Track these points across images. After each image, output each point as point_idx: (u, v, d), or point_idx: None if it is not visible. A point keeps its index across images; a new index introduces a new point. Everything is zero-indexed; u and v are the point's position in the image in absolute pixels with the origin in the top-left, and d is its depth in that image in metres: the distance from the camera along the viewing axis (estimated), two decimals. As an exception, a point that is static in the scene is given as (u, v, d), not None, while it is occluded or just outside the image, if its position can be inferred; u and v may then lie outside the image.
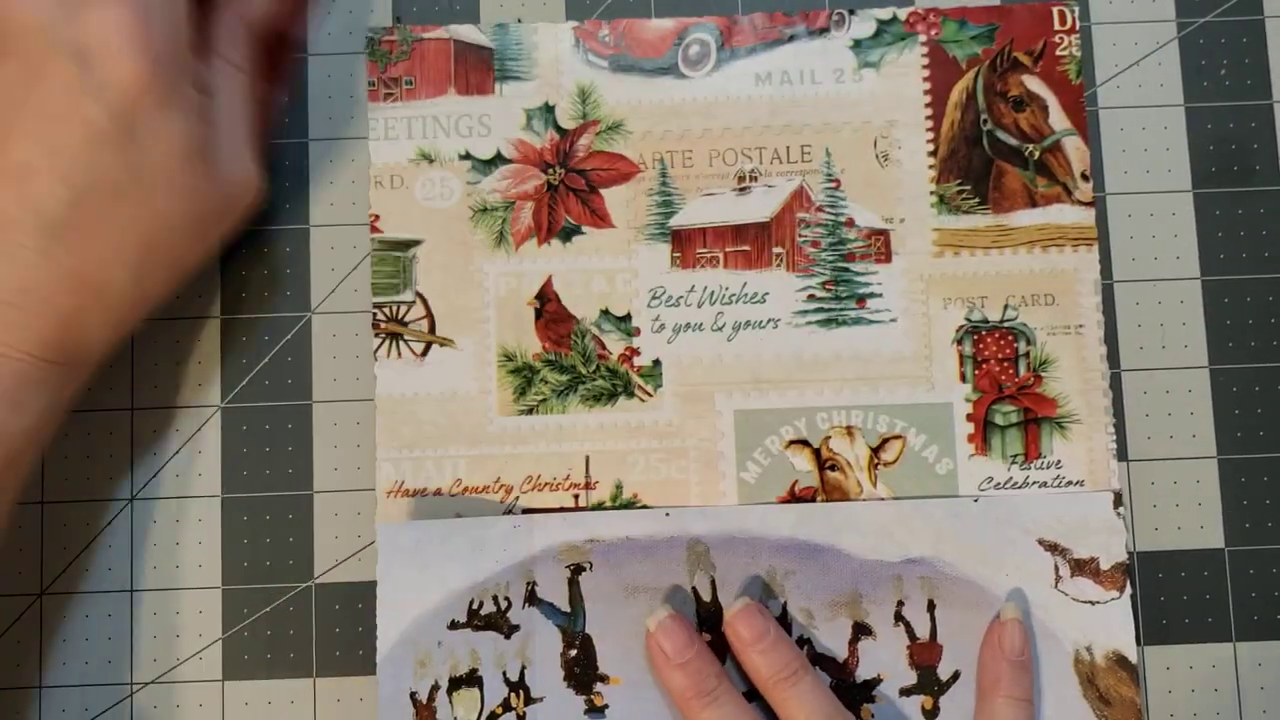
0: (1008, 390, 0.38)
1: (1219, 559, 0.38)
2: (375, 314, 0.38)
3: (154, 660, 0.38)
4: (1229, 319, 0.39)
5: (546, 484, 0.38)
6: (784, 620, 0.37)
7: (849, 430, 0.38)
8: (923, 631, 0.37)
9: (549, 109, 0.39)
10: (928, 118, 0.39)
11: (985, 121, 0.39)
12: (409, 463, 0.38)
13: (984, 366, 0.39)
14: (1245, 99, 0.40)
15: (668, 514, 0.37)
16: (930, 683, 0.37)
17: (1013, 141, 0.39)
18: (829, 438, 0.38)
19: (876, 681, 0.37)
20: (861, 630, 0.37)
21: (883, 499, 0.38)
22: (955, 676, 0.37)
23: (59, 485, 0.39)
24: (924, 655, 0.37)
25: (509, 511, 0.38)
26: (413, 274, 0.39)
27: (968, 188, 0.39)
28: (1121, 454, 0.39)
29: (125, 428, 0.39)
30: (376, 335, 0.38)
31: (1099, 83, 0.40)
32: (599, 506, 0.38)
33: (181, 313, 0.40)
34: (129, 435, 0.39)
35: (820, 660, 0.37)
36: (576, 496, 0.38)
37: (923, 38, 0.40)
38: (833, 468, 0.38)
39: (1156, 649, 0.38)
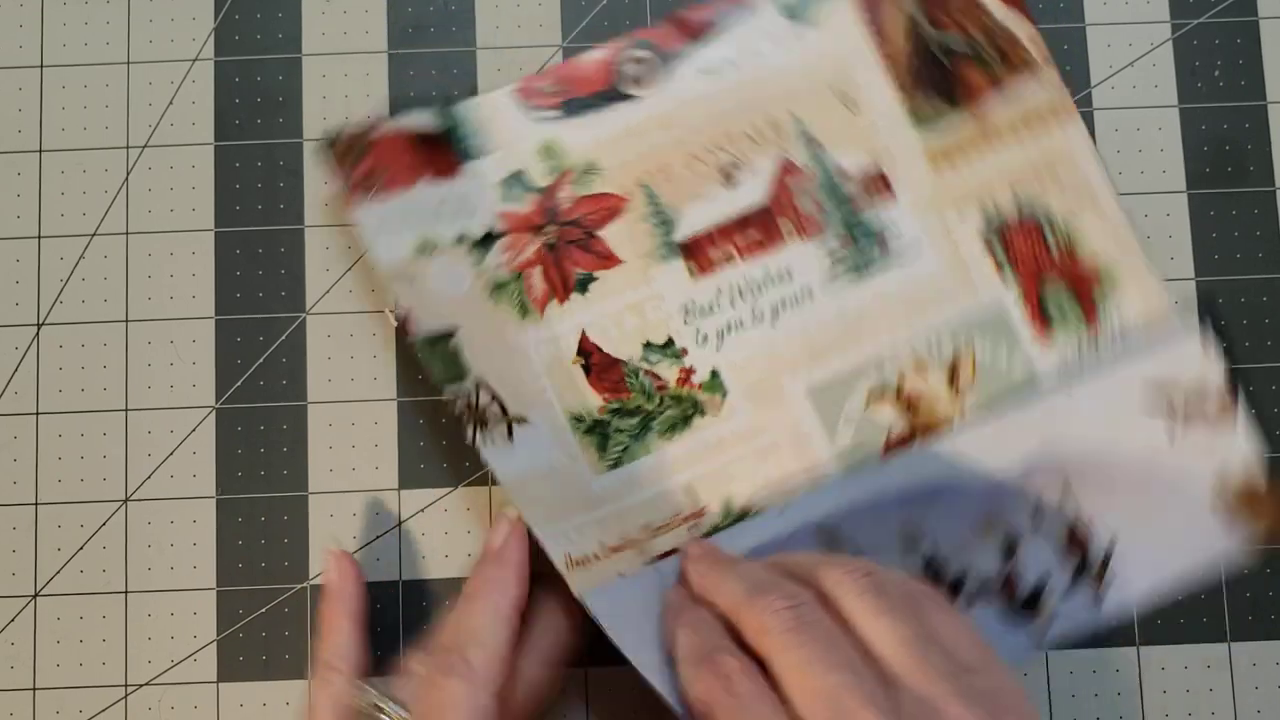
0: (1049, 274, 0.38)
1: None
2: (455, 405, 0.36)
3: (149, 662, 0.38)
4: (1223, 319, 0.39)
5: (660, 527, 0.37)
6: (934, 564, 0.37)
7: (918, 365, 0.38)
8: (1066, 524, 0.37)
9: (519, 176, 0.38)
10: (878, 52, 0.39)
11: (932, 37, 0.39)
12: (559, 537, 0.36)
13: (1019, 260, 0.38)
14: (1239, 100, 0.40)
15: (782, 511, 0.37)
16: (1089, 568, 0.37)
17: (963, 46, 0.39)
18: (903, 379, 0.38)
19: (1041, 587, 0.37)
20: (1010, 547, 0.37)
21: (975, 422, 0.37)
22: (1109, 553, 0.37)
23: (53, 486, 0.39)
24: (1074, 546, 0.37)
25: (649, 562, 0.36)
26: (464, 361, 0.37)
27: (936, 98, 0.39)
28: (1116, 454, 0.39)
29: (119, 428, 0.39)
30: (468, 423, 0.36)
31: (1094, 84, 0.40)
32: (715, 530, 0.37)
33: (176, 313, 0.39)
34: (123, 436, 0.39)
35: (983, 591, 0.37)
36: (691, 528, 0.37)
37: None
38: (916, 403, 0.38)
39: (1152, 649, 0.38)
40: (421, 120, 0.38)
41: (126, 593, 0.38)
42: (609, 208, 0.38)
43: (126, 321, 0.39)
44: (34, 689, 0.38)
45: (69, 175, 0.40)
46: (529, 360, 0.37)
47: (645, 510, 0.37)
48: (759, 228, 0.39)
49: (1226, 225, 0.39)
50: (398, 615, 0.38)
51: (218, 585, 0.38)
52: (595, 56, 0.39)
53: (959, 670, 0.29)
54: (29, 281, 0.40)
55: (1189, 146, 0.40)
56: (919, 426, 0.38)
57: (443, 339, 0.37)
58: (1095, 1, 0.40)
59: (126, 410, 0.39)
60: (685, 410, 0.38)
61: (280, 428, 0.39)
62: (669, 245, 0.38)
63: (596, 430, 0.37)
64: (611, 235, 0.38)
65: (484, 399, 0.36)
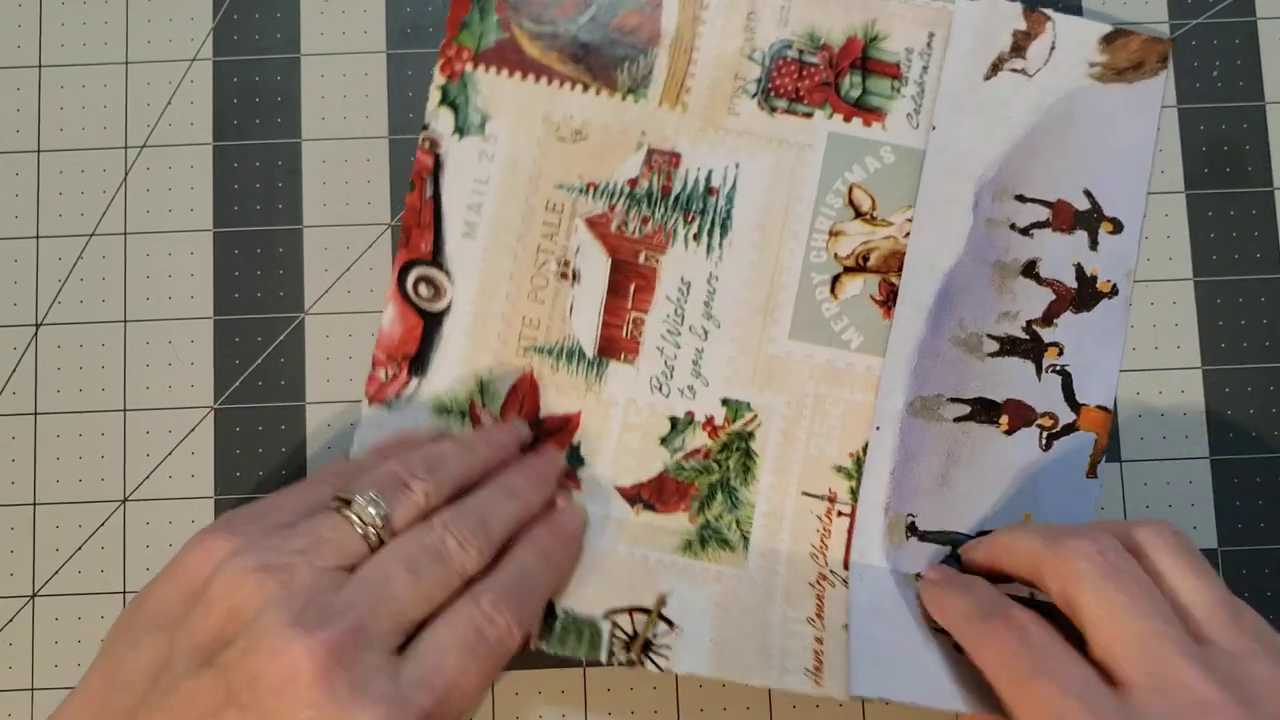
0: (834, 79, 0.39)
1: (1212, 559, 0.38)
2: (617, 661, 0.34)
3: (147, 662, 0.38)
4: (1221, 320, 0.39)
5: (822, 540, 0.38)
6: (1007, 344, 0.38)
7: (834, 232, 0.39)
8: (1044, 212, 0.38)
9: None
10: (547, 86, 0.39)
11: (566, 34, 0.39)
12: (785, 659, 0.34)
13: (803, 94, 0.39)
14: (1237, 100, 0.40)
15: (878, 427, 0.38)
16: (1090, 221, 0.39)
17: (589, 31, 0.39)
18: (836, 252, 0.38)
19: (1083, 273, 0.38)
20: (1033, 272, 0.38)
21: (913, 222, 0.38)
22: (1090, 194, 0.38)
23: (51, 487, 0.39)
24: (1063, 218, 0.38)
25: (842, 582, 0.37)
26: (585, 618, 0.35)
27: (613, 69, 0.39)
28: (1114, 455, 0.39)
29: (118, 429, 0.39)
30: (643, 662, 0.34)
31: (1092, 84, 0.40)
32: (854, 485, 0.38)
33: (174, 313, 0.39)
34: (121, 436, 0.39)
35: (1056, 313, 0.38)
36: (840, 514, 0.38)
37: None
38: (866, 259, 0.38)
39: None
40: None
41: (125, 593, 0.38)
42: (526, 390, 0.38)
43: (125, 322, 0.39)
44: (32, 689, 0.38)
45: (67, 175, 0.40)
46: (615, 554, 0.37)
47: (799, 542, 0.37)
48: (630, 280, 0.39)
49: (1225, 226, 0.39)
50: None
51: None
52: (392, 314, 0.39)
53: (1267, 635, 0.29)
54: (27, 281, 0.40)
55: (1187, 147, 0.40)
56: (885, 268, 0.38)
57: (550, 621, 0.35)
58: (1094, 1, 0.40)
59: (125, 410, 0.39)
60: (739, 447, 0.38)
61: (279, 428, 0.39)
62: (592, 363, 0.38)
63: (707, 537, 0.38)
64: (550, 404, 0.38)
65: (626, 623, 0.35)
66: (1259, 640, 0.29)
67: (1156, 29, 0.40)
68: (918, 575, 0.37)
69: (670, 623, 0.35)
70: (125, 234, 0.40)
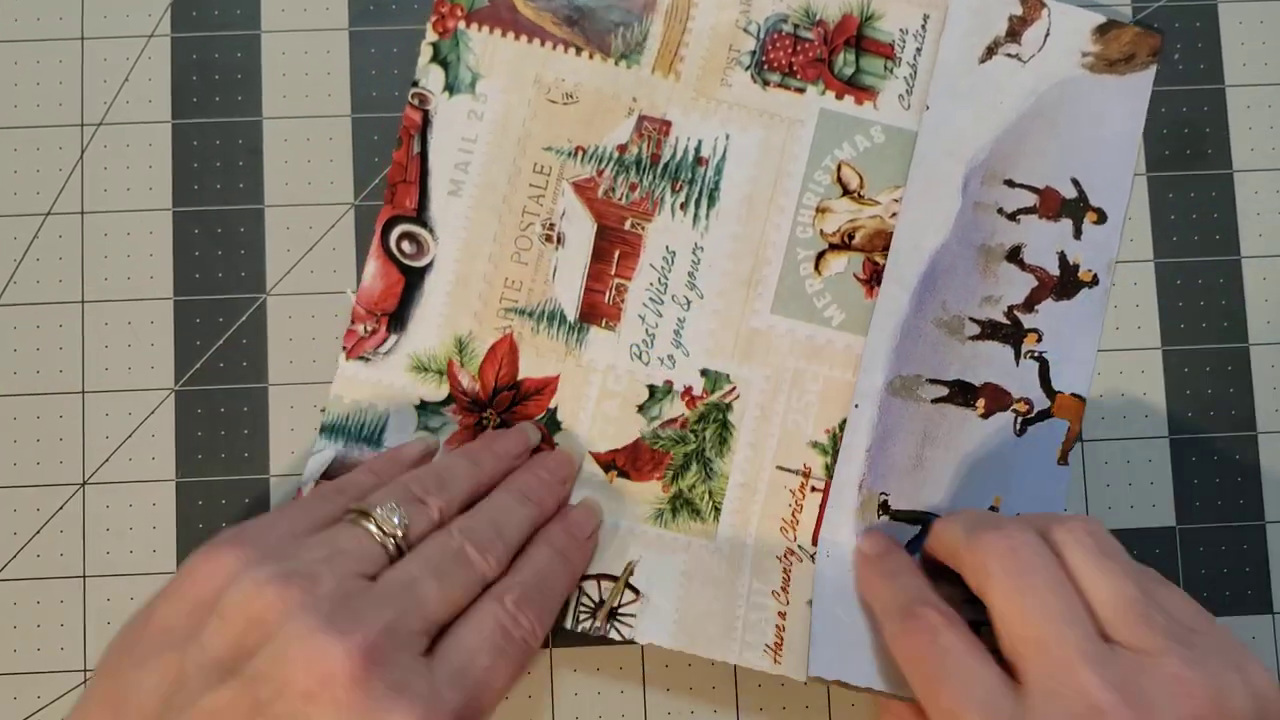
0: (827, 56, 0.39)
1: (1170, 537, 0.39)
2: (580, 627, 0.36)
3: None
4: (1181, 300, 0.40)
5: (793, 514, 0.38)
6: (989, 327, 0.38)
7: (820, 209, 0.39)
8: (1032, 200, 0.38)
9: (423, 406, 0.38)
10: (543, 48, 0.39)
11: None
12: (747, 633, 0.36)
13: (797, 68, 0.39)
14: (1198, 83, 0.40)
15: (857, 405, 0.38)
16: (1076, 209, 0.39)
17: None
18: (821, 229, 0.39)
19: (1066, 261, 0.38)
20: (1016, 258, 0.38)
21: (901, 203, 0.38)
22: (1076, 182, 0.39)
23: (8, 470, 0.38)
24: (1050, 206, 0.38)
25: (813, 554, 0.37)
26: None
27: (605, 33, 0.39)
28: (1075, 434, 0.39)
29: (76, 411, 0.38)
30: (608, 629, 0.36)
31: (1056, 66, 0.40)
32: (830, 461, 0.38)
33: (133, 294, 0.39)
34: (80, 418, 0.38)
35: (1036, 301, 0.38)
36: (814, 488, 0.38)
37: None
38: (851, 237, 0.38)
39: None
40: (320, 461, 0.38)
41: (85, 577, 0.38)
42: (505, 352, 0.38)
43: (83, 302, 0.39)
44: (-10, 674, 0.38)
45: (22, 153, 0.39)
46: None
47: (771, 516, 0.37)
48: (615, 246, 0.39)
49: (1185, 208, 0.40)
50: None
51: (178, 569, 0.38)
52: (374, 269, 0.38)
53: (1181, 630, 0.29)
54: (-18, 261, 0.39)
55: (1149, 129, 0.40)
56: (869, 247, 0.39)
57: None
58: (1058, -16, 0.41)
59: (83, 392, 0.39)
60: (716, 418, 0.38)
61: (241, 410, 0.39)
62: (573, 327, 0.38)
63: (679, 506, 0.38)
64: (529, 367, 0.38)
65: (593, 590, 0.36)
66: (1172, 636, 0.29)
67: (1120, 11, 0.40)
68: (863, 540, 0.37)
69: (636, 591, 0.35)
70: (82, 213, 0.39)
